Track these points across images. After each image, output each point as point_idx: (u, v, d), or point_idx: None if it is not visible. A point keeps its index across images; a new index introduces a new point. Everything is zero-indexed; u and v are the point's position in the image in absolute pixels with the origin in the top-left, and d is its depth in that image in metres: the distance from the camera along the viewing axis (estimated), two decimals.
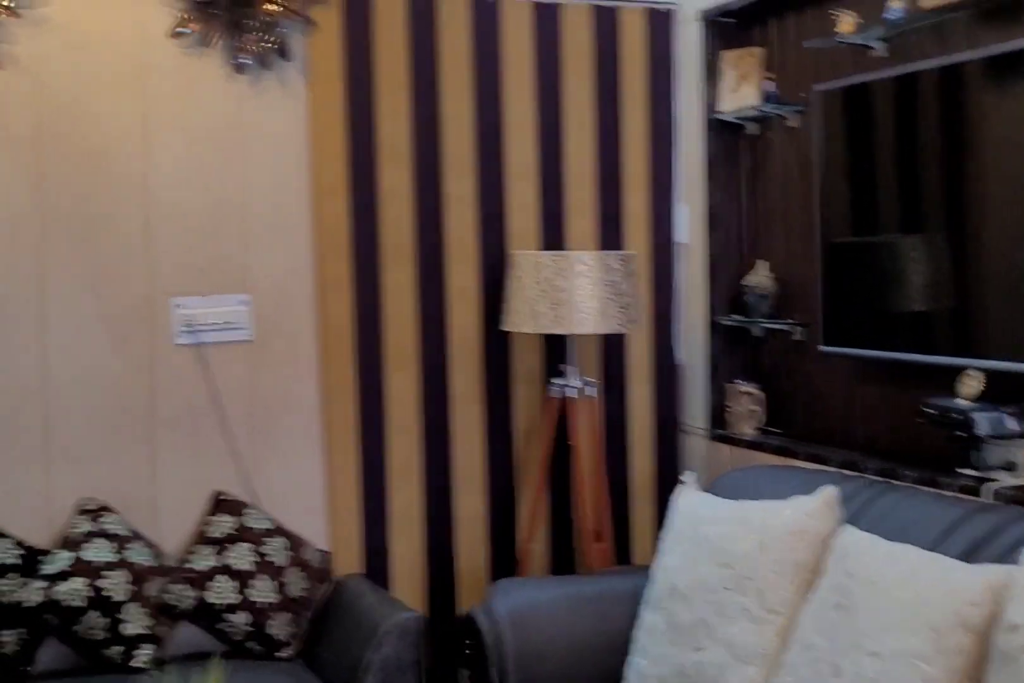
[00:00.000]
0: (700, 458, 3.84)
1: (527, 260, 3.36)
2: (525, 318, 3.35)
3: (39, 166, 3.20)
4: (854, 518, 2.64)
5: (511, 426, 3.71)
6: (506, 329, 3.47)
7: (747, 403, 3.64)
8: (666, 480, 3.82)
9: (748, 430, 3.64)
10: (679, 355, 3.89)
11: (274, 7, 3.33)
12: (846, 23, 3.10)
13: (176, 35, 3.29)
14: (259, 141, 3.41)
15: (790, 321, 3.50)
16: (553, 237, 3.71)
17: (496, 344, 3.66)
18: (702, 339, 3.78)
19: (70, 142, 3.22)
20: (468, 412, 3.66)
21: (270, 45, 3.36)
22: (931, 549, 2.35)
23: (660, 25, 3.78)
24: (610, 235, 3.78)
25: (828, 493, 2.63)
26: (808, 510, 2.60)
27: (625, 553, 3.81)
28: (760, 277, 3.59)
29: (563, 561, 3.76)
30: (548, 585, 3.11)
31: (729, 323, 3.69)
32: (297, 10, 3.37)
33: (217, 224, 3.39)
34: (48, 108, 3.19)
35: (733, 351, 3.74)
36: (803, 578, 2.54)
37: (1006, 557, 2.24)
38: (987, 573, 2.13)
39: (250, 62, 3.36)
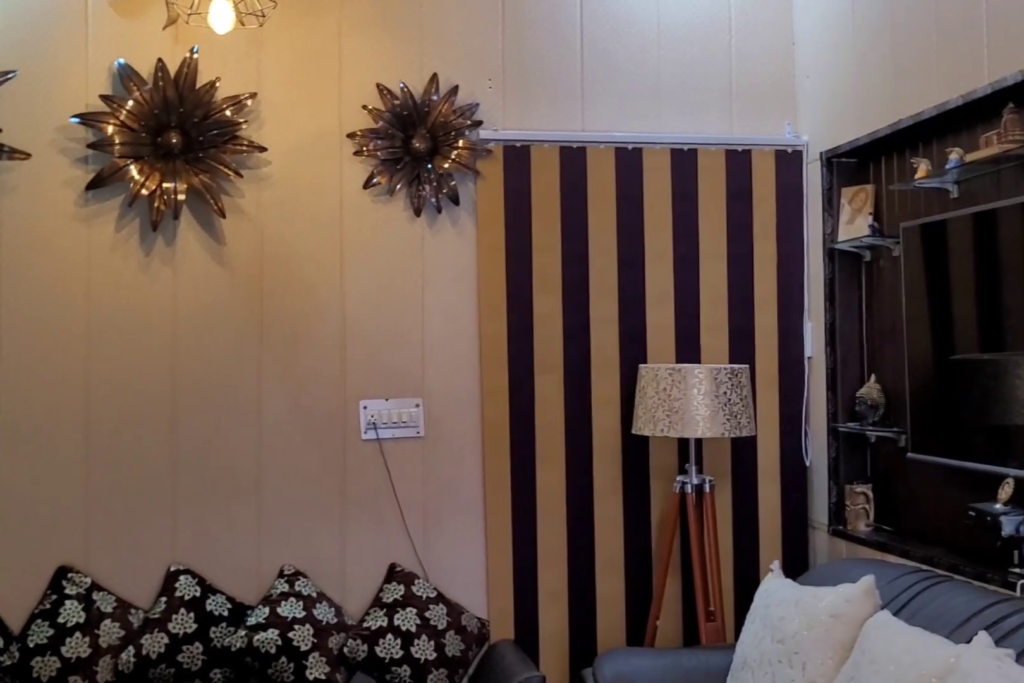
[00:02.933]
0: (822, 551, 4.19)
1: (649, 373, 3.88)
2: (647, 423, 3.85)
3: (260, 294, 3.95)
4: (902, 606, 3.01)
5: (648, 516, 4.16)
6: (634, 432, 3.97)
7: (861, 502, 3.99)
8: (794, 570, 4.16)
9: (861, 526, 3.98)
10: (807, 458, 4.27)
11: (448, 162, 4.04)
12: (922, 170, 3.51)
13: (368, 186, 4.03)
14: (434, 271, 4.07)
15: (895, 429, 3.84)
16: (688, 352, 4.18)
17: (635, 444, 4.14)
18: (823, 443, 4.16)
19: (284, 274, 3.97)
20: (609, 503, 4.14)
21: (444, 193, 4.06)
22: (949, 633, 2.72)
23: (789, 164, 4.23)
24: (741, 350, 4.21)
25: (867, 582, 3.01)
26: (848, 596, 3.00)
27: None
28: (870, 389, 3.95)
29: (692, 637, 4.15)
30: (651, 655, 3.57)
31: (846, 429, 4.05)
32: (467, 164, 4.05)
33: (398, 340, 4.05)
34: (267, 247, 3.96)
35: (850, 455, 4.09)
36: (841, 655, 2.93)
37: (1006, 639, 2.59)
38: (950, 651, 2.50)
39: (427, 206, 4.05)
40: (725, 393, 3.78)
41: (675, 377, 3.79)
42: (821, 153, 4.12)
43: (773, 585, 3.36)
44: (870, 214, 3.89)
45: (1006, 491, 3.08)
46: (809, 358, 4.25)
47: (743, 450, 4.23)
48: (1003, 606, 2.77)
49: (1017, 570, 3.07)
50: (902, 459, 3.83)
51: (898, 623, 2.80)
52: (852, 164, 4.08)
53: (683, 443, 4.12)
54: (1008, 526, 3.00)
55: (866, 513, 3.99)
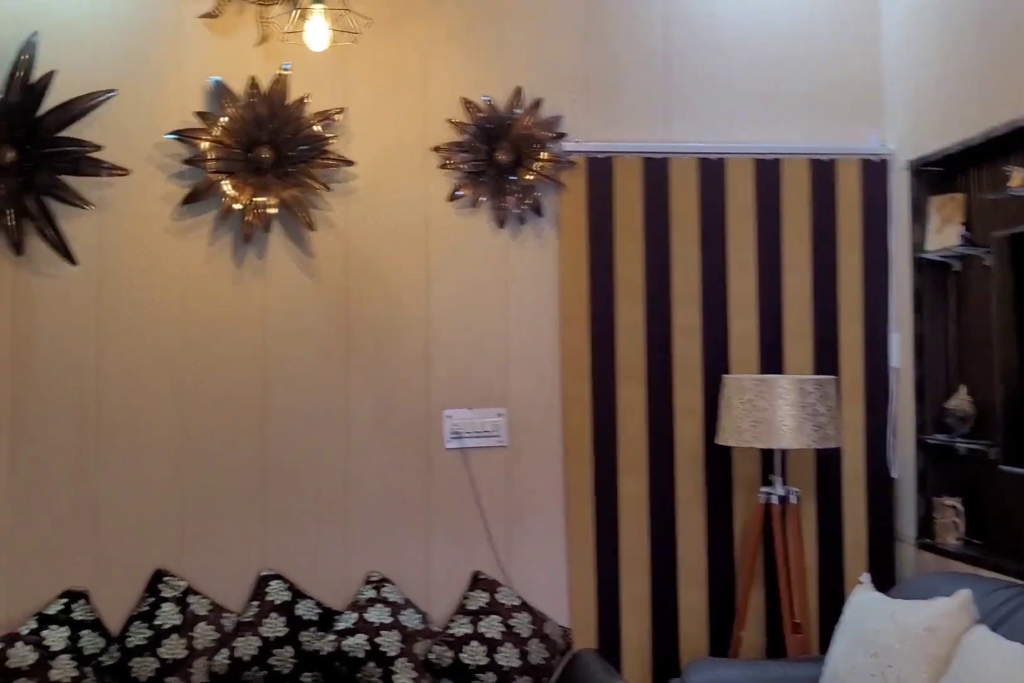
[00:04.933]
0: (909, 564, 4.14)
1: (733, 383, 3.87)
2: (732, 433, 3.85)
3: (347, 305, 4.04)
4: (998, 620, 2.97)
5: (731, 527, 4.15)
6: (718, 442, 3.97)
7: (950, 515, 3.94)
8: (880, 583, 4.10)
9: (951, 540, 3.92)
10: (893, 470, 4.22)
11: (531, 174, 4.08)
12: (1016, 178, 3.46)
13: (452, 198, 4.09)
14: (517, 282, 4.12)
15: (986, 442, 3.79)
16: (771, 362, 4.16)
17: (717, 455, 4.13)
18: (911, 455, 4.11)
19: (370, 286, 4.04)
20: (692, 513, 4.13)
21: (528, 204, 4.10)
22: None
23: (874, 174, 4.19)
24: (826, 361, 4.17)
25: (963, 596, 2.98)
26: (943, 610, 2.97)
27: None
28: (960, 400, 3.89)
29: (776, 649, 4.12)
30: (737, 667, 3.57)
31: (934, 441, 4.00)
32: (550, 175, 4.09)
33: (481, 349, 4.10)
34: (354, 259, 4.04)
35: (939, 467, 4.04)
36: (936, 669, 2.90)
37: None
38: None
39: (510, 218, 4.10)
40: (812, 404, 3.76)
41: (760, 388, 3.78)
42: (909, 162, 4.08)
43: (864, 598, 3.33)
44: (961, 223, 3.84)
45: None
46: (895, 369, 4.21)
47: (828, 462, 4.19)
48: None
49: None
50: (993, 472, 3.77)
51: (998, 639, 2.77)
52: (940, 173, 4.03)
53: (767, 454, 4.10)
54: None
55: (956, 527, 3.93)
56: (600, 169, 4.11)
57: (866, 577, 3.50)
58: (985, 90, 3.65)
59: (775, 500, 3.93)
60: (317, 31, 3.47)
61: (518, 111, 4.07)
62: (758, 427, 3.77)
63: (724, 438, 3.90)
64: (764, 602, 4.16)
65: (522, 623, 3.99)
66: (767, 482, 4.05)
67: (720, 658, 3.86)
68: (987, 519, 3.87)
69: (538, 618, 4.02)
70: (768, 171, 4.17)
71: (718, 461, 4.15)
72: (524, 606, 4.03)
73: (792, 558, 3.93)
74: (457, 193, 4.07)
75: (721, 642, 4.12)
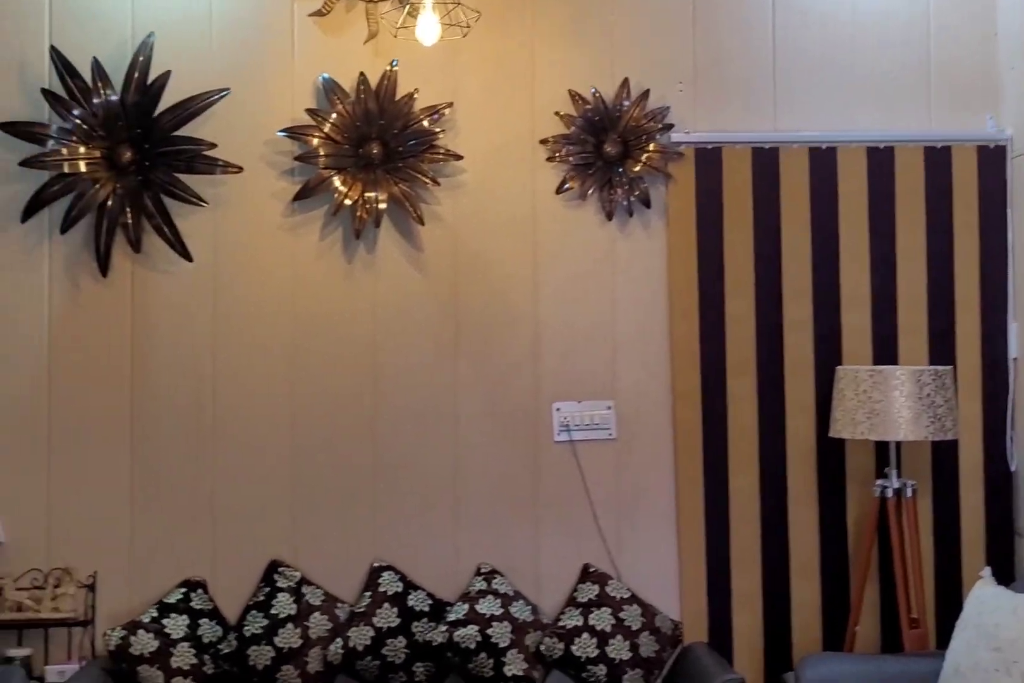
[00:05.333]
0: None
1: (848, 375, 3.81)
2: (846, 425, 3.79)
3: (456, 299, 4.06)
4: None
5: (844, 520, 4.09)
6: (832, 435, 3.92)
7: None
8: (998, 578, 4.02)
9: None
10: (1012, 462, 4.13)
11: (639, 166, 4.06)
12: None
13: (560, 191, 4.09)
14: (625, 275, 4.10)
15: None
16: (885, 354, 4.09)
17: (830, 448, 4.08)
18: None
19: (478, 279, 4.06)
20: (803, 507, 4.08)
21: (635, 196, 4.08)
22: None
23: (991, 160, 4.09)
24: (941, 351, 4.09)
25: None
26: None
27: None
28: None
29: (891, 644, 4.05)
30: (854, 661, 3.53)
31: None
32: (658, 167, 4.06)
33: (590, 342, 4.10)
34: (462, 252, 4.06)
35: None
36: None
37: None
38: None
39: (618, 210, 4.09)
40: (928, 395, 3.69)
41: (876, 379, 3.72)
42: None
43: (986, 592, 3.28)
44: None
45: None
46: (1015, 360, 4.11)
47: (944, 454, 4.11)
48: None
49: None
50: None
51: None
52: None
53: (881, 446, 4.04)
54: None
55: None
56: (708, 160, 4.07)
57: (987, 571, 3.43)
58: None
59: (890, 493, 3.87)
60: (428, 26, 3.49)
61: (626, 103, 4.05)
62: (873, 419, 3.71)
63: (838, 430, 3.84)
64: (879, 596, 4.09)
65: (632, 616, 3.98)
66: (882, 475, 3.99)
67: (835, 652, 3.81)
68: None
69: (648, 611, 4.01)
70: (881, 159, 4.09)
71: (831, 454, 4.09)
72: (634, 599, 4.02)
73: (909, 552, 3.87)
74: (565, 186, 4.07)
75: (834, 637, 4.07)
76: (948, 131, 4.12)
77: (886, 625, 4.09)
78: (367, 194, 3.96)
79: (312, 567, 3.97)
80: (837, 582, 4.10)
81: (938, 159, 4.10)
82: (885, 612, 4.09)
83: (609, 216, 4.08)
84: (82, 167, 3.84)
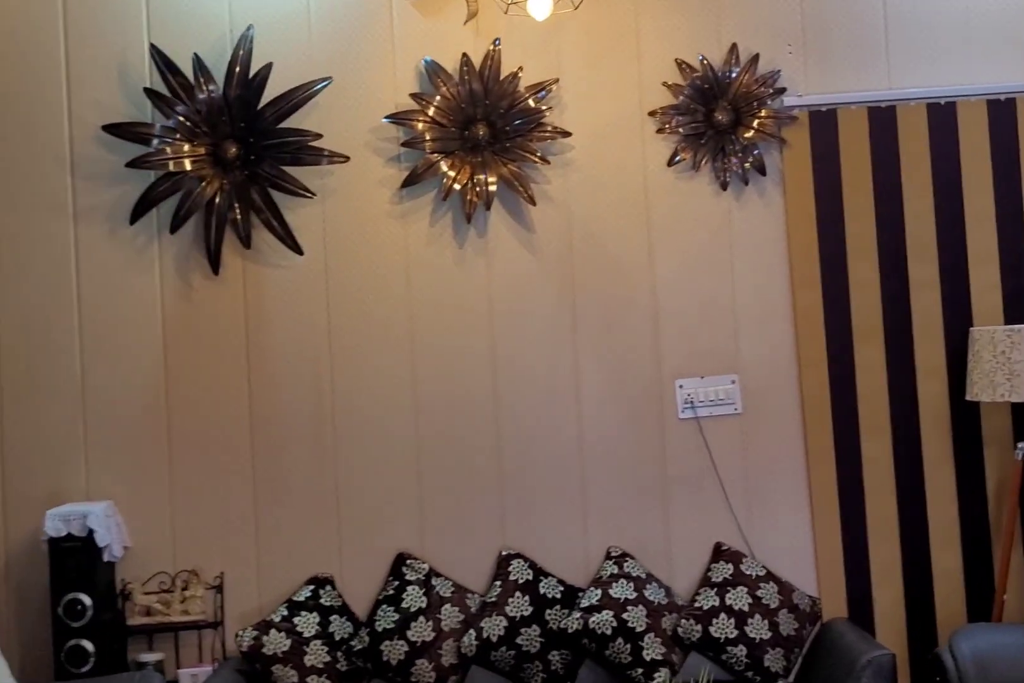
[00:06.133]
0: None
1: (984, 335, 3.70)
2: (984, 388, 3.68)
3: (572, 279, 3.99)
4: None
5: (983, 486, 3.98)
6: (969, 398, 3.80)
7: None
8: None
9: None
10: None
11: (752, 132, 3.96)
12: None
13: (672, 163, 4.00)
14: (743, 245, 4.01)
15: None
16: (1018, 312, 3.96)
17: (964, 412, 3.96)
18: None
19: (593, 258, 3.99)
20: (940, 474, 3.98)
21: (750, 164, 3.98)
22: None
23: None
24: None
25: None
26: None
27: None
28: None
29: None
30: (1012, 631, 3.42)
31: None
32: (771, 132, 3.97)
33: (710, 316, 4.01)
34: (575, 231, 3.99)
35: None
36: None
37: None
38: None
39: (733, 179, 4.00)
40: None
41: (1015, 338, 3.60)
42: None
43: None
44: None
45: None
46: None
47: None
48: None
49: None
50: None
51: None
52: None
53: (1018, 408, 3.92)
54: None
55: None
56: (823, 122, 3.97)
57: None
58: None
59: None
60: (540, 0, 3.41)
61: (735, 69, 3.95)
62: (1014, 380, 3.60)
63: (975, 394, 3.73)
64: (1023, 563, 3.98)
65: (769, 594, 3.90)
66: (1022, 437, 3.87)
67: (987, 623, 3.70)
68: None
69: (785, 588, 3.93)
70: (1003, 112, 3.97)
71: (965, 418, 3.98)
72: (770, 576, 3.93)
73: None
74: (676, 158, 3.98)
75: (980, 607, 3.96)
76: None
77: None
78: (476, 177, 3.90)
79: (440, 558, 3.93)
80: (979, 550, 3.99)
81: None
82: None
83: (724, 186, 3.99)
84: (187, 165, 3.81)
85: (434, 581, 3.89)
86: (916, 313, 3.98)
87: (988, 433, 3.99)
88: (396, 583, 3.87)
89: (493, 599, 3.85)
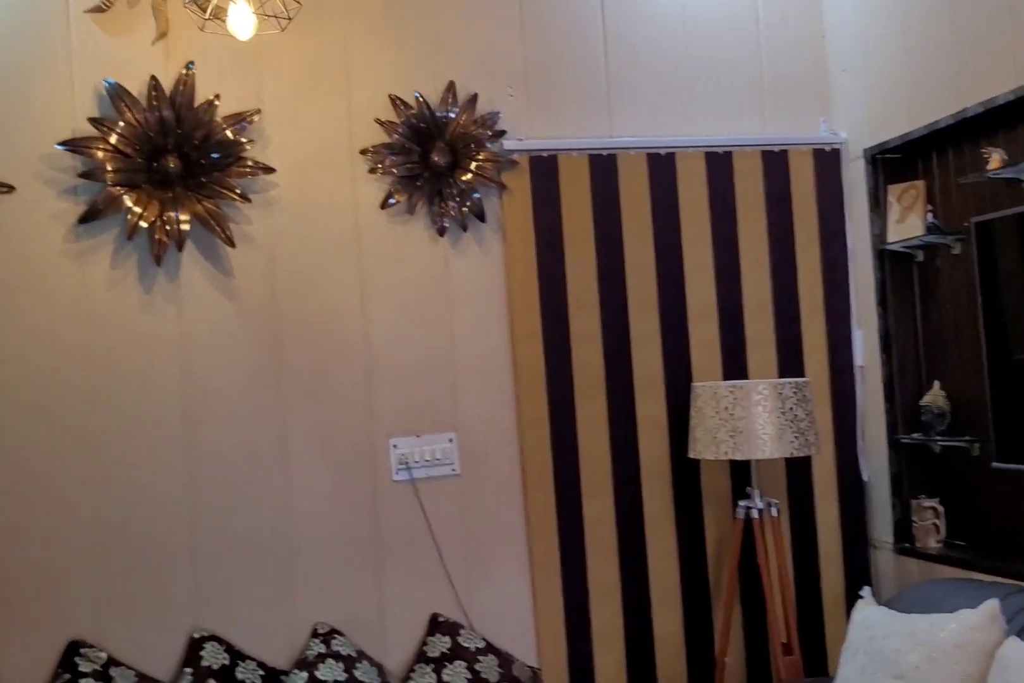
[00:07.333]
0: (888, 571, 3.94)
1: (706, 391, 3.60)
2: (708, 445, 3.57)
3: (276, 329, 3.63)
4: (1022, 628, 2.75)
5: (704, 545, 3.88)
6: (692, 456, 3.69)
7: (930, 517, 3.75)
8: (857, 593, 3.90)
9: (932, 543, 3.74)
10: (864, 473, 4.02)
11: (470, 175, 3.73)
12: (995, 160, 3.29)
13: (385, 205, 3.71)
14: (461, 295, 3.77)
15: (966, 438, 3.61)
16: (734, 368, 3.91)
17: (685, 470, 3.86)
18: (884, 457, 3.91)
19: (300, 306, 3.65)
20: (661, 534, 3.85)
21: (468, 208, 3.75)
22: None
23: (827, 164, 3.98)
24: (789, 362, 3.95)
25: (990, 607, 2.78)
26: (972, 624, 2.76)
27: (820, 664, 3.91)
28: (935, 396, 3.72)
29: (758, 672, 3.88)
30: None
31: (909, 441, 3.81)
32: (491, 177, 3.75)
33: (428, 370, 3.74)
34: (280, 277, 3.63)
35: (915, 468, 3.85)
36: None
37: None
38: None
39: (450, 225, 3.75)
40: (791, 409, 3.52)
41: (737, 394, 3.51)
42: (865, 150, 3.88)
43: (871, 614, 3.10)
44: (930, 211, 3.66)
45: None
46: (861, 367, 4.01)
47: (797, 468, 3.97)
48: None
49: None
50: (977, 469, 3.60)
51: None
52: (897, 160, 3.84)
53: (737, 465, 3.85)
54: None
55: (936, 529, 3.75)
56: (544, 168, 3.79)
57: (867, 591, 3.28)
58: (953, 71, 3.46)
59: (755, 513, 3.67)
60: (242, 17, 3.04)
61: (453, 108, 3.71)
62: (736, 437, 3.51)
63: (699, 451, 3.62)
64: (742, 625, 3.90)
65: (489, 667, 3.66)
66: (740, 495, 3.80)
67: None
68: (971, 519, 3.69)
69: (505, 660, 3.69)
70: (720, 164, 3.92)
71: (686, 476, 3.88)
72: (489, 648, 3.69)
73: (780, 574, 3.69)
74: (390, 200, 3.70)
75: (700, 670, 3.86)
76: (784, 135, 3.98)
77: (751, 654, 3.90)
78: (167, 214, 3.48)
79: (121, 644, 3.45)
80: (699, 611, 3.89)
81: (776, 163, 3.96)
82: (749, 640, 3.90)
83: (441, 232, 3.74)
84: None
85: (113, 671, 3.41)
86: (637, 368, 3.85)
87: (708, 491, 3.90)
88: (67, 676, 3.36)
89: None
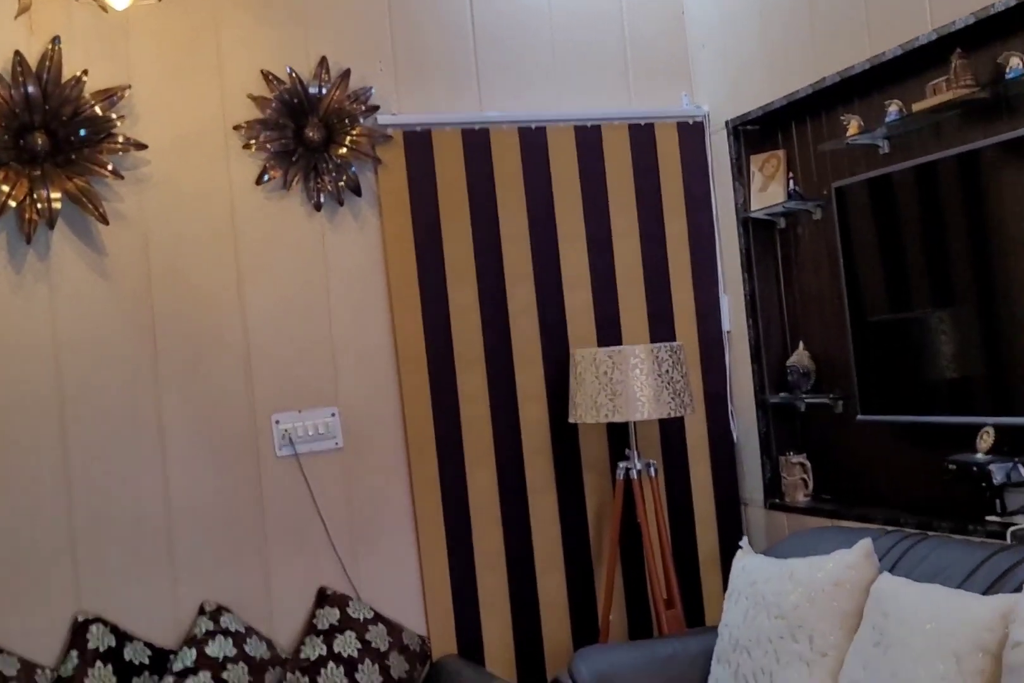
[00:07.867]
0: (760, 526, 4.11)
1: (586, 357, 3.70)
2: (588, 409, 3.68)
3: (151, 308, 3.58)
4: (893, 567, 2.93)
5: (585, 509, 3.99)
6: (572, 421, 3.79)
7: (798, 473, 3.93)
8: (731, 548, 3.99)
9: (801, 498, 3.91)
10: (734, 433, 4.18)
11: (345, 149, 3.76)
12: (853, 126, 3.46)
13: (260, 182, 3.71)
14: (339, 269, 3.78)
15: (830, 395, 3.79)
16: (609, 335, 4.02)
17: (565, 436, 3.96)
18: (752, 417, 4.07)
19: (175, 282, 3.61)
20: (544, 500, 3.94)
21: (344, 183, 3.77)
22: (957, 587, 2.64)
23: (692, 136, 4.12)
24: (661, 329, 4.08)
25: (864, 545, 2.93)
26: (848, 562, 2.91)
27: (699, 617, 4.06)
28: (800, 356, 3.89)
29: (640, 628, 4.01)
30: (626, 649, 3.40)
31: (776, 401, 3.98)
32: (365, 151, 3.78)
33: (307, 346, 3.74)
34: (154, 254, 3.59)
35: (782, 426, 4.03)
36: (849, 623, 2.83)
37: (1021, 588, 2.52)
38: (999, 602, 2.43)
39: (327, 200, 3.77)
40: (667, 371, 3.64)
41: (615, 359, 3.62)
42: (727, 122, 4.03)
43: (751, 562, 3.23)
44: (791, 179, 3.82)
45: (986, 440, 3.03)
46: (728, 332, 4.16)
47: (671, 431, 4.11)
48: (1005, 555, 2.70)
49: (999, 519, 3.02)
50: (840, 425, 3.78)
51: (909, 583, 2.71)
52: (758, 131, 4.00)
53: (614, 428, 3.97)
54: (999, 474, 2.94)
55: (804, 484, 3.92)
56: (418, 143, 3.84)
57: (745, 541, 3.42)
58: (811, 43, 3.62)
59: (634, 474, 3.79)
60: None
61: (326, 84, 3.73)
62: (616, 400, 3.62)
63: (579, 416, 3.72)
64: (623, 583, 4.02)
65: (379, 636, 3.70)
66: (619, 457, 3.91)
67: (603, 644, 3.67)
68: (837, 474, 3.88)
69: (395, 629, 3.74)
70: (589, 138, 4.02)
71: (565, 442, 3.98)
72: (378, 618, 3.73)
73: (660, 531, 3.82)
74: (265, 176, 3.70)
75: (585, 630, 3.96)
76: (649, 109, 4.10)
77: (633, 610, 4.03)
78: (37, 192, 3.42)
79: (1, 633, 3.37)
80: (582, 574, 3.99)
81: (643, 136, 4.08)
82: (630, 597, 4.03)
83: (317, 207, 3.75)
84: None
85: None
86: (515, 338, 3.93)
87: (587, 457, 4.01)
88: None
89: (69, 673, 3.37)
